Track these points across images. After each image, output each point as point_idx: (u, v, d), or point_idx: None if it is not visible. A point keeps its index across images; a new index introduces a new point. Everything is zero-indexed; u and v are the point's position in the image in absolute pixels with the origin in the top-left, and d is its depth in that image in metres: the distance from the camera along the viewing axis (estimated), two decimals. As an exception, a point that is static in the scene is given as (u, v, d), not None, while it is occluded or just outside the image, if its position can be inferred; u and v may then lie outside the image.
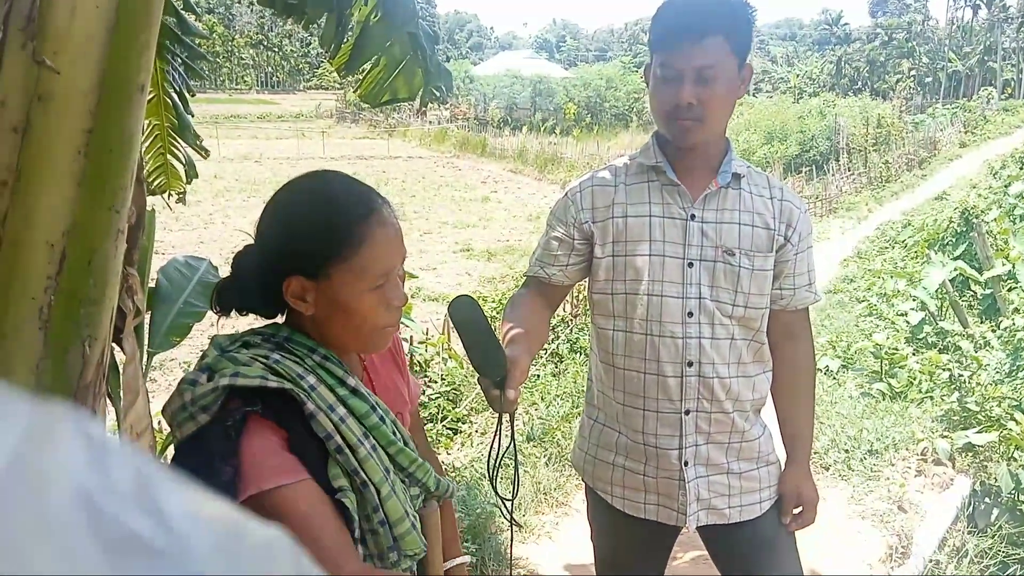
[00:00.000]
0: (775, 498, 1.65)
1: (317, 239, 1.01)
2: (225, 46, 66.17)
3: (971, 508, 3.49)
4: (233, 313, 1.08)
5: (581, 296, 6.58)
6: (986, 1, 61.99)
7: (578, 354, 5.47)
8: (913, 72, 58.88)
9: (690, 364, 1.51)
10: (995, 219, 7.88)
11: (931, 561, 3.03)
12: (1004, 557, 3.20)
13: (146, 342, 2.23)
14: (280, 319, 1.09)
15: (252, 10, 64.68)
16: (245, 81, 70.25)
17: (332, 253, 1.00)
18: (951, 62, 60.00)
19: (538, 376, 4.97)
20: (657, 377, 1.52)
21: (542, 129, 30.64)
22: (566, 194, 1.61)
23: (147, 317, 2.21)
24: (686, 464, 1.56)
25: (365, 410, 1.04)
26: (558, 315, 6.31)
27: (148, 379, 3.35)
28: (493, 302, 5.94)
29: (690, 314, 1.51)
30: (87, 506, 0.22)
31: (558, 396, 4.58)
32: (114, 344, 1.51)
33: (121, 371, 1.64)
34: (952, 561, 3.10)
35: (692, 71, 1.43)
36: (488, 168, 21.92)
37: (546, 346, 5.51)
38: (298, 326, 1.07)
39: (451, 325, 1.59)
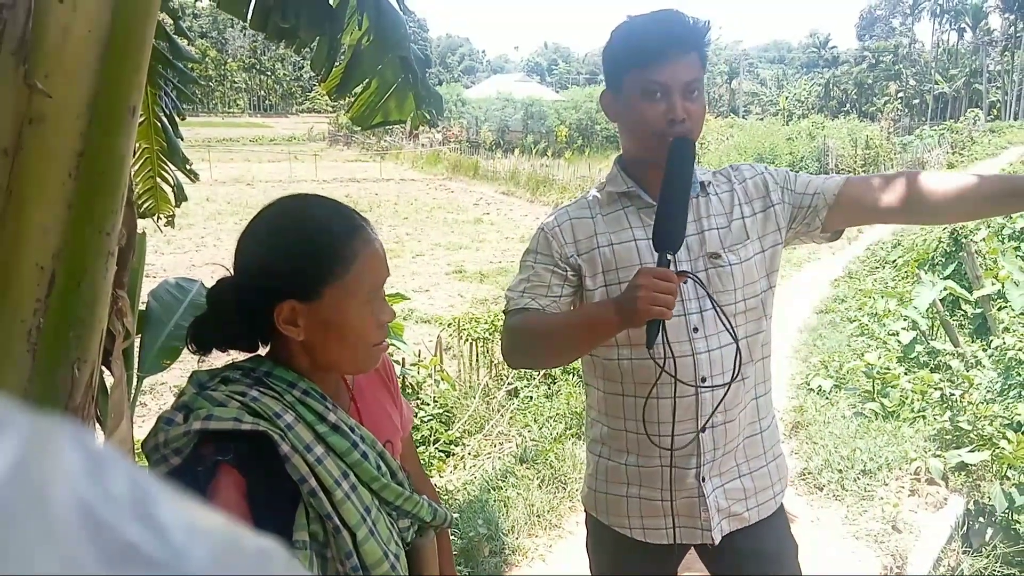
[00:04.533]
0: (784, 491, 1.66)
1: (309, 260, 1.00)
2: (218, 70, 66.52)
3: (965, 527, 3.49)
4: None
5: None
6: (971, 24, 62.96)
7: (571, 375, 5.46)
8: (900, 94, 59.60)
9: (703, 379, 1.49)
10: (984, 239, 7.94)
11: (926, 581, 3.02)
12: (999, 577, 3.20)
13: (136, 365, 2.22)
14: (262, 351, 1.08)
15: (245, 34, 65.12)
16: (238, 104, 70.57)
17: (325, 273, 1.00)
18: (938, 84, 60.79)
19: (531, 398, 4.96)
20: (671, 400, 1.49)
21: (534, 151, 30.81)
22: (543, 230, 1.57)
23: (137, 340, 2.20)
24: (703, 480, 1.54)
25: (346, 447, 1.02)
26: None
27: (138, 403, 3.33)
28: (486, 324, 5.93)
29: (695, 329, 1.49)
30: (86, 516, 0.22)
31: (551, 418, 4.56)
32: (103, 367, 1.51)
33: (109, 394, 1.63)
34: (947, 581, 3.09)
35: (680, 85, 1.42)
36: (480, 190, 22.01)
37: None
38: (282, 357, 1.05)
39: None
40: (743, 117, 43.35)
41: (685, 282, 1.48)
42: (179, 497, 0.25)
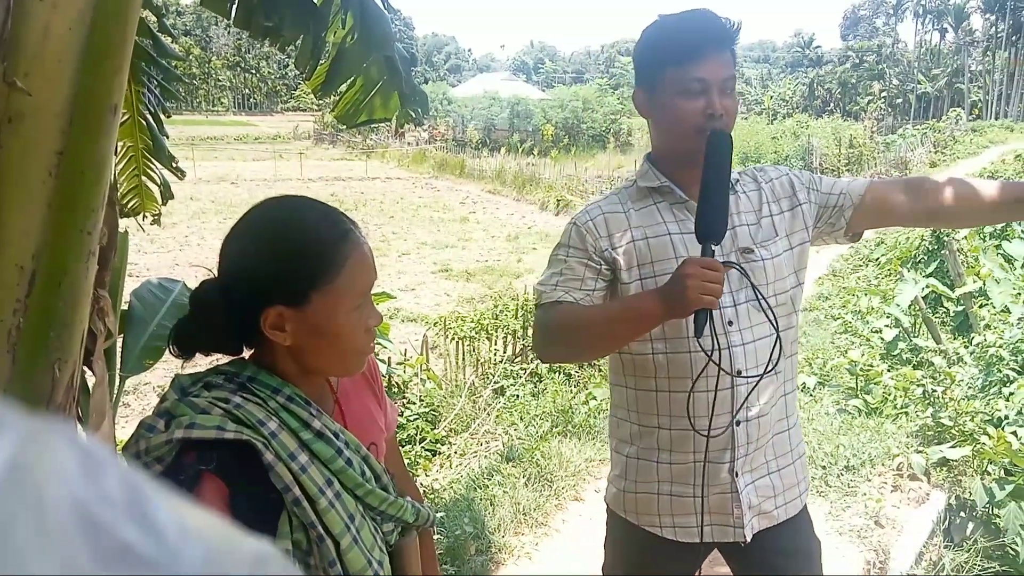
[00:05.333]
0: (807, 491, 1.68)
1: (298, 266, 0.99)
2: (202, 68, 66.03)
3: (947, 522, 3.53)
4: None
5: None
6: (953, 25, 63.56)
7: (557, 373, 5.47)
8: (884, 94, 60.08)
9: (739, 373, 1.50)
10: (965, 237, 8.03)
11: (908, 576, 3.05)
12: (980, 571, 3.23)
13: (118, 366, 2.20)
14: (245, 354, 1.06)
15: (229, 32, 64.68)
16: (222, 103, 70.09)
17: (315, 278, 0.99)
18: (920, 84, 61.34)
19: (517, 396, 4.96)
20: (706, 393, 1.49)
21: (520, 150, 30.79)
22: (575, 224, 1.57)
23: (120, 340, 2.18)
24: (736, 475, 1.55)
25: (330, 454, 1.01)
26: (537, 335, 6.32)
27: (121, 403, 3.31)
28: (472, 322, 5.93)
29: (730, 323, 1.50)
30: (82, 517, 0.22)
31: (537, 416, 4.57)
32: (84, 367, 1.49)
33: (91, 394, 1.62)
34: (929, 575, 3.12)
35: (719, 83, 1.45)
36: (466, 189, 21.98)
37: (524, 366, 5.51)
38: (266, 361, 1.04)
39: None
40: (728, 116, 43.50)
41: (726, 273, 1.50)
42: (174, 498, 0.25)
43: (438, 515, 3.26)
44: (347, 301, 1.01)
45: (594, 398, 4.88)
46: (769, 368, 1.48)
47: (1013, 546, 3.27)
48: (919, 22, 66.66)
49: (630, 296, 1.49)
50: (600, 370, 5.69)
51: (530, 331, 6.16)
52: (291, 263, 0.99)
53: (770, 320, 1.48)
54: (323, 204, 1.07)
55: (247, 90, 73.86)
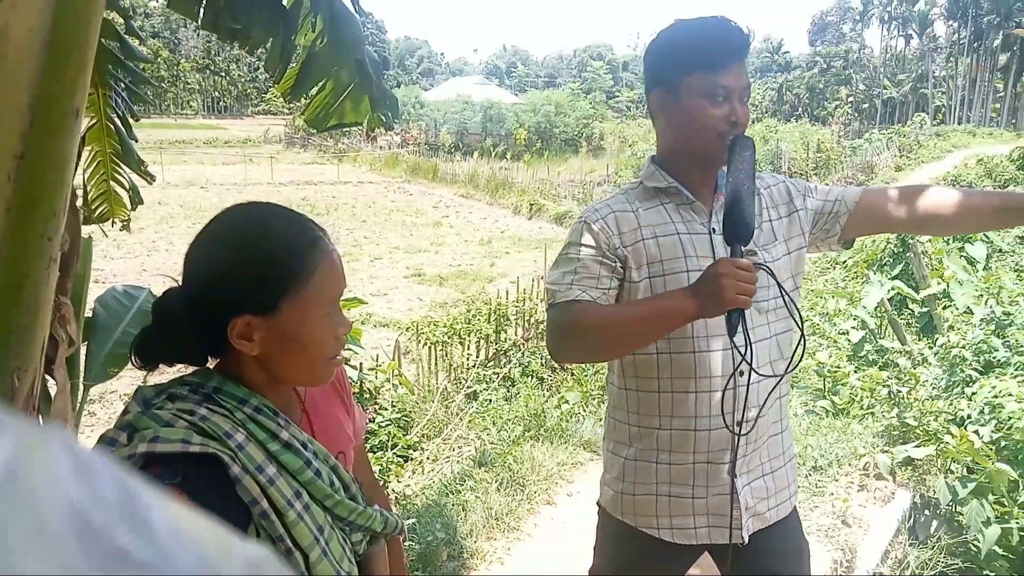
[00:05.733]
0: (796, 493, 1.71)
1: (267, 274, 0.97)
2: (171, 71, 65.16)
3: (912, 520, 3.59)
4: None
5: (533, 320, 6.60)
6: (917, 31, 64.84)
7: (530, 378, 5.48)
8: (851, 99, 61.10)
9: (741, 373, 1.52)
10: (930, 240, 8.20)
11: (875, 574, 3.10)
12: (944, 568, 3.30)
13: (82, 374, 2.16)
14: (210, 363, 1.04)
15: (198, 35, 63.89)
16: (191, 106, 69.20)
17: (284, 286, 0.97)
18: (886, 89, 62.47)
19: (490, 401, 4.96)
20: (709, 394, 1.52)
21: (493, 154, 30.83)
22: (586, 222, 1.57)
23: (84, 348, 2.15)
24: (735, 476, 1.57)
25: (299, 465, 1.00)
26: (510, 339, 6.33)
27: (87, 412, 3.25)
28: (445, 327, 5.92)
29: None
30: (76, 520, 0.22)
31: (509, 420, 4.57)
32: (46, 375, 1.47)
33: (52, 402, 1.59)
34: (895, 573, 3.18)
35: (740, 90, 1.49)
36: (439, 193, 21.95)
37: (497, 370, 5.51)
38: (232, 371, 1.02)
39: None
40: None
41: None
42: (169, 501, 0.25)
43: (409, 521, 3.25)
44: (316, 309, 1.00)
45: (566, 402, 4.89)
46: (790, 367, 1.53)
47: (975, 543, 3.34)
48: (885, 28, 67.89)
49: (658, 295, 1.49)
50: (572, 374, 5.71)
51: (503, 335, 6.20)
52: (259, 271, 0.97)
53: (795, 319, 1.52)
54: (291, 211, 1.06)
55: (217, 93, 73.02)
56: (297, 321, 0.98)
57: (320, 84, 2.84)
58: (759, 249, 1.55)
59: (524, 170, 24.55)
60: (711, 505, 1.58)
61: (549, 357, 6.07)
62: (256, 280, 0.97)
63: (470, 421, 4.65)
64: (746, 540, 1.59)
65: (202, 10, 2.53)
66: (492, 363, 5.79)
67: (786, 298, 1.51)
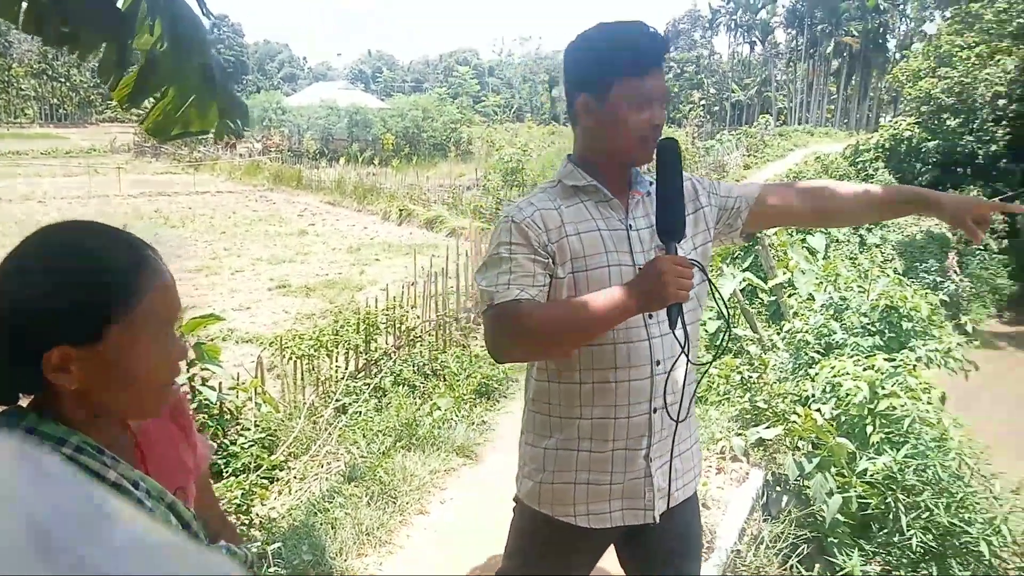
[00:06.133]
0: (700, 476, 1.82)
1: (87, 298, 0.88)
2: (1, 76, 59.80)
3: (765, 497, 3.81)
4: None
5: (404, 327, 6.52)
6: (760, 38, 69.37)
7: (401, 387, 5.40)
8: (703, 102, 64.52)
9: (658, 363, 1.59)
10: (775, 233, 8.77)
11: (733, 551, 3.26)
12: (794, 539, 3.52)
13: None
14: (24, 400, 0.93)
15: (32, 38, 58.97)
16: (26, 114, 63.68)
17: (106, 311, 0.89)
18: (734, 92, 66.47)
19: (360, 413, 4.85)
20: (628, 383, 1.58)
21: (360, 160, 30.27)
22: (514, 221, 1.58)
23: None
24: (650, 460, 1.64)
25: None
26: (380, 347, 6.22)
27: None
28: (311, 340, 5.73)
29: (650, 316, 1.59)
30: (38, 535, 0.22)
31: (380, 431, 4.49)
32: None
33: None
34: (751, 549, 3.36)
35: (660, 95, 1.57)
36: (304, 201, 21.31)
37: (368, 381, 5.40)
38: (49, 407, 0.92)
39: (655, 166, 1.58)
40: (564, 124, 45.09)
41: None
42: (132, 511, 0.26)
43: (274, 547, 3.11)
44: (145, 336, 0.91)
45: (439, 408, 4.86)
46: (718, 355, 1.64)
47: (820, 512, 3.59)
48: (731, 35, 72.20)
49: (600, 292, 1.51)
50: (444, 379, 5.68)
51: (372, 345, 6.08)
52: (78, 295, 0.88)
53: (721, 309, 1.63)
54: (114, 228, 0.97)
55: (55, 100, 67.58)
56: (123, 349, 0.90)
57: (162, 91, 2.67)
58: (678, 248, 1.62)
59: (393, 175, 24.27)
60: (627, 489, 1.65)
61: (423, 363, 6.02)
62: (74, 305, 0.88)
63: (340, 435, 4.52)
64: (657, 520, 1.68)
65: (21, 12, 2.32)
66: (362, 374, 5.67)
67: (715, 290, 1.63)
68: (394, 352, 6.16)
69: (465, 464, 4.29)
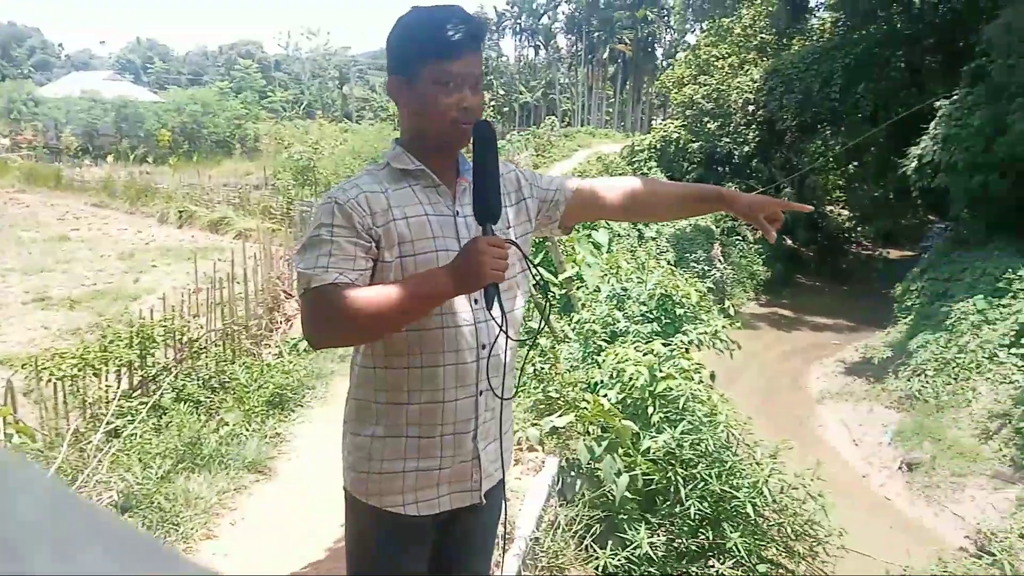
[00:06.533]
0: (512, 457, 1.85)
1: None
2: None
3: (560, 483, 3.98)
4: None
5: (186, 339, 6.05)
6: (543, 43, 72.56)
7: (184, 403, 5.01)
8: (493, 103, 66.33)
9: (484, 346, 1.61)
10: (562, 229, 9.21)
11: (532, 539, 3.37)
12: (588, 520, 3.71)
13: None
14: None
15: None
16: None
17: None
18: (522, 94, 68.96)
19: (136, 436, 4.42)
20: (456, 367, 1.59)
21: (132, 158, 27.71)
22: (338, 203, 1.53)
23: None
24: (477, 442, 1.66)
25: None
26: (160, 361, 5.73)
27: None
28: (74, 358, 5.14)
29: (476, 300, 1.60)
30: None
31: (159, 454, 4.11)
32: None
33: None
34: (549, 535, 3.49)
35: (472, 79, 1.57)
36: (65, 203, 19.06)
37: (144, 399, 4.94)
38: None
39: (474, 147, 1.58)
40: (356, 122, 44.23)
41: None
42: (103, 514, 0.27)
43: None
44: None
45: (226, 424, 4.56)
46: (536, 334, 1.66)
47: (611, 492, 3.81)
48: (517, 39, 74.83)
49: (418, 275, 1.52)
50: (232, 392, 5.34)
51: (149, 360, 5.57)
52: None
53: (542, 293, 1.81)
54: None
55: None
56: None
57: None
58: (497, 232, 1.61)
59: (171, 174, 22.47)
60: (455, 472, 1.65)
61: (209, 376, 5.62)
62: None
63: (112, 462, 4.09)
64: (484, 501, 1.70)
65: None
66: (138, 392, 5.18)
67: (532, 270, 1.66)
68: (175, 366, 5.70)
69: (258, 480, 4.06)
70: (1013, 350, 10.24)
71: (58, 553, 0.23)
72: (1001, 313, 10.95)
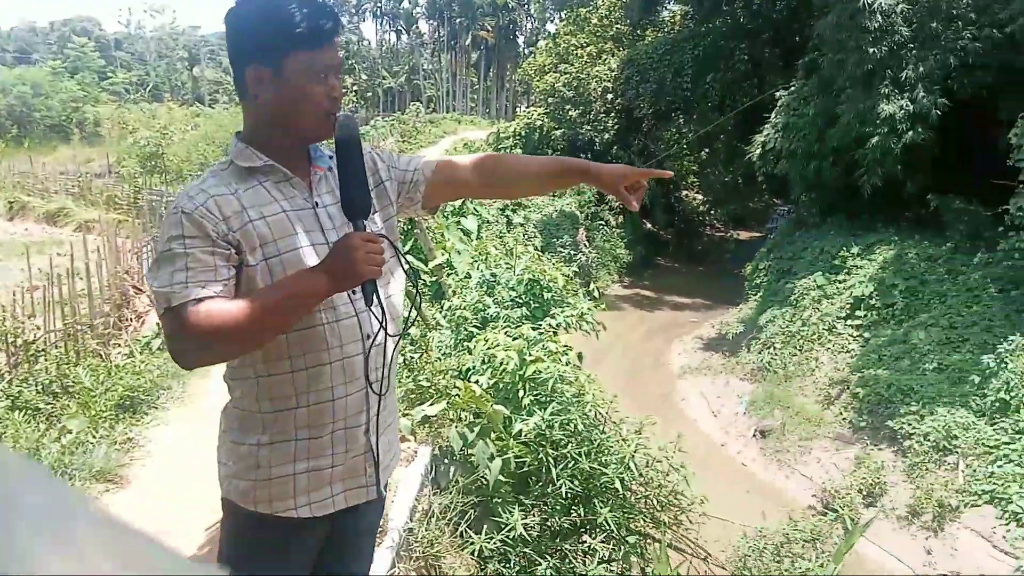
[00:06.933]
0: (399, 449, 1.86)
1: None
2: None
3: (433, 472, 3.97)
4: None
5: (20, 342, 5.54)
6: (405, 28, 71.56)
7: (19, 412, 4.58)
8: (356, 88, 64.80)
9: (368, 337, 1.58)
10: (433, 216, 9.15)
11: (405, 530, 3.34)
12: (462, 507, 3.72)
13: None
14: None
15: None
16: None
17: None
18: (385, 79, 67.79)
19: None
20: (343, 362, 1.55)
21: (-51, 144, 25.02)
22: (184, 212, 1.44)
23: None
24: (370, 435, 1.63)
25: None
26: (-12, 369, 5.21)
27: None
28: None
29: (354, 292, 1.53)
30: None
31: None
32: None
33: None
34: (423, 524, 3.47)
35: (336, 67, 1.53)
36: None
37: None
38: None
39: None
40: (209, 106, 41.90)
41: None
42: (98, 508, 0.27)
43: None
44: None
45: (69, 432, 4.22)
46: (408, 324, 1.73)
47: (484, 477, 3.84)
48: (378, 23, 73.33)
49: (290, 277, 1.46)
50: (76, 397, 4.94)
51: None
52: None
53: (412, 282, 1.70)
54: None
55: None
56: None
57: None
58: (359, 221, 1.57)
59: (-2, 162, 20.48)
60: (348, 469, 1.62)
61: (49, 381, 5.17)
62: None
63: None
64: (383, 494, 1.70)
65: None
66: (-37, 403, 4.68)
67: (403, 262, 1.63)
68: (9, 372, 5.20)
69: (108, 490, 3.78)
70: (848, 322, 11.19)
71: (58, 553, 0.23)
72: (837, 288, 11.93)
